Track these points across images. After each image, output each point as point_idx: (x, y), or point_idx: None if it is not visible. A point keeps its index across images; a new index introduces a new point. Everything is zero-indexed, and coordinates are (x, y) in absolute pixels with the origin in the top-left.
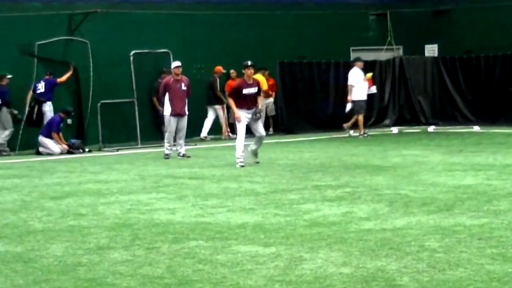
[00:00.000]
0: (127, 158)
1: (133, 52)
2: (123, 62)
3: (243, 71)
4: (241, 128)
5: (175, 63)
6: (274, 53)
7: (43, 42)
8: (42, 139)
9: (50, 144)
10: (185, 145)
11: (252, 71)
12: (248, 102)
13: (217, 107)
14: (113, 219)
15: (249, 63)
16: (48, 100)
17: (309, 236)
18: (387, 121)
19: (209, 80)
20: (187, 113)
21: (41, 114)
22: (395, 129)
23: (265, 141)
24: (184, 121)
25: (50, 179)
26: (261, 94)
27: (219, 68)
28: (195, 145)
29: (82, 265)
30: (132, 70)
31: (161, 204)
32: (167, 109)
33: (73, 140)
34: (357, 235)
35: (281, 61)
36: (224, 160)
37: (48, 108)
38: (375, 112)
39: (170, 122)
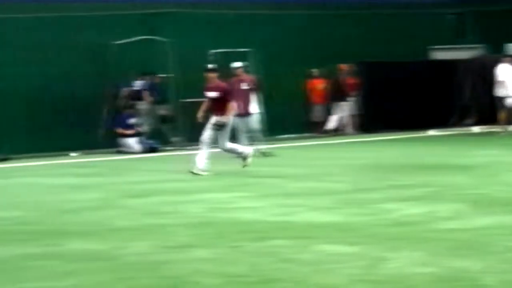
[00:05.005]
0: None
1: (212, 51)
2: (203, 61)
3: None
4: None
5: (236, 64)
6: (354, 53)
7: (122, 42)
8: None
9: (131, 142)
10: (265, 143)
11: (211, 75)
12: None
13: (342, 103)
14: (195, 217)
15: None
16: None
17: (392, 236)
18: (468, 121)
19: (336, 78)
20: (252, 112)
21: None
22: (476, 129)
23: (345, 140)
24: (251, 120)
25: (131, 178)
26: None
27: (344, 66)
28: (276, 144)
29: (166, 263)
30: None
31: (243, 202)
32: None
33: (147, 141)
34: (440, 235)
35: (361, 60)
36: (305, 159)
37: (144, 107)
38: (456, 112)
39: (235, 123)
